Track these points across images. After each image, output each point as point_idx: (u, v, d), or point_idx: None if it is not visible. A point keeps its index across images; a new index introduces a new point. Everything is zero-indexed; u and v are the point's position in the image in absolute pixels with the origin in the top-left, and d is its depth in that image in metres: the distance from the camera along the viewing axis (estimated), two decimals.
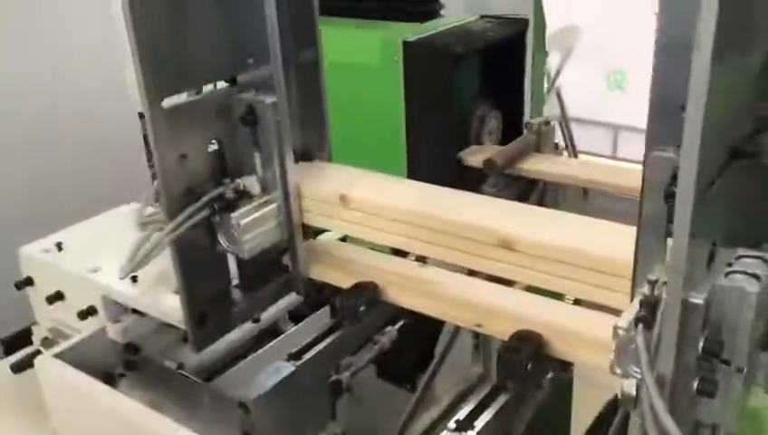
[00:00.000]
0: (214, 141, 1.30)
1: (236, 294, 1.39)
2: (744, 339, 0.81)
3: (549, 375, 1.18)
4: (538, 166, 1.85)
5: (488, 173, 1.82)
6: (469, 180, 1.85)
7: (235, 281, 1.41)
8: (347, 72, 1.92)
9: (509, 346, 1.11)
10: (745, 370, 0.83)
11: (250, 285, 1.40)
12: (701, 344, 0.81)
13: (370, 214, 1.26)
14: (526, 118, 2.06)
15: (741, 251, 0.87)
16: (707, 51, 0.69)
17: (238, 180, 1.30)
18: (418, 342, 1.69)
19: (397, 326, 1.38)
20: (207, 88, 1.30)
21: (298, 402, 1.23)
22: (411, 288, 1.30)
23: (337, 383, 1.27)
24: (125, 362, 1.44)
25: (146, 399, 1.35)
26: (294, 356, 1.22)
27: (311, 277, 1.40)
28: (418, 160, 1.89)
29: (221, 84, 1.32)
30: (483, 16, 2.02)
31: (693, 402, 0.84)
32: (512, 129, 2.03)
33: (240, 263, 1.39)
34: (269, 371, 1.21)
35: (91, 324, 1.49)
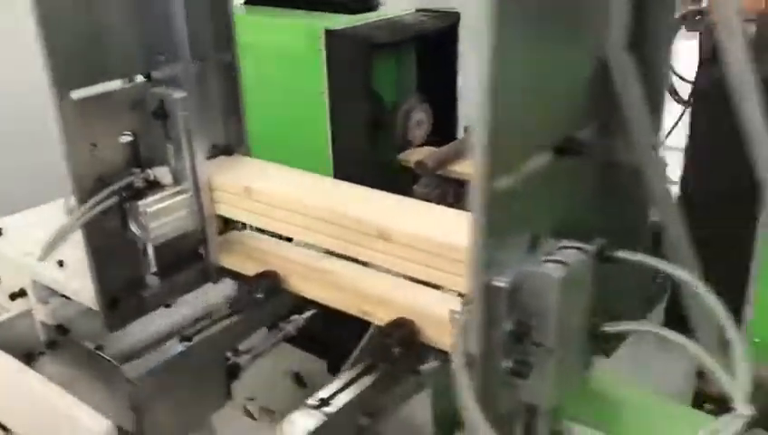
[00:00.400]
0: (129, 133, 1.37)
1: (152, 280, 1.46)
2: (553, 322, 0.86)
3: (432, 363, 1.23)
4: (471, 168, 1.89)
5: (420, 174, 1.88)
6: (401, 180, 1.90)
7: (154, 268, 1.47)
8: (275, 60, 1.98)
9: (382, 331, 1.17)
10: (561, 353, 0.88)
11: (166, 272, 1.47)
12: (509, 327, 0.86)
13: (269, 205, 1.33)
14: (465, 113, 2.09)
15: (564, 242, 0.92)
16: (493, 38, 0.74)
17: (148, 170, 1.37)
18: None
19: (305, 315, 1.44)
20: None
21: (190, 382, 1.30)
22: (311, 278, 1.36)
23: (234, 366, 1.33)
24: (47, 342, 1.51)
25: (60, 376, 1.42)
26: (186, 338, 1.28)
27: (222, 266, 1.46)
28: (341, 149, 1.93)
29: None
30: (419, 10, 2.06)
31: (509, 383, 0.89)
32: (444, 122, 2.07)
33: (157, 250, 1.45)
34: (160, 350, 1.28)
35: (19, 306, 1.56)
